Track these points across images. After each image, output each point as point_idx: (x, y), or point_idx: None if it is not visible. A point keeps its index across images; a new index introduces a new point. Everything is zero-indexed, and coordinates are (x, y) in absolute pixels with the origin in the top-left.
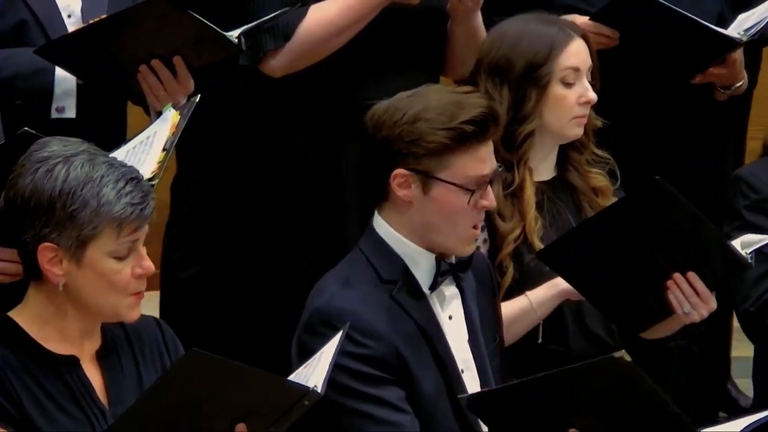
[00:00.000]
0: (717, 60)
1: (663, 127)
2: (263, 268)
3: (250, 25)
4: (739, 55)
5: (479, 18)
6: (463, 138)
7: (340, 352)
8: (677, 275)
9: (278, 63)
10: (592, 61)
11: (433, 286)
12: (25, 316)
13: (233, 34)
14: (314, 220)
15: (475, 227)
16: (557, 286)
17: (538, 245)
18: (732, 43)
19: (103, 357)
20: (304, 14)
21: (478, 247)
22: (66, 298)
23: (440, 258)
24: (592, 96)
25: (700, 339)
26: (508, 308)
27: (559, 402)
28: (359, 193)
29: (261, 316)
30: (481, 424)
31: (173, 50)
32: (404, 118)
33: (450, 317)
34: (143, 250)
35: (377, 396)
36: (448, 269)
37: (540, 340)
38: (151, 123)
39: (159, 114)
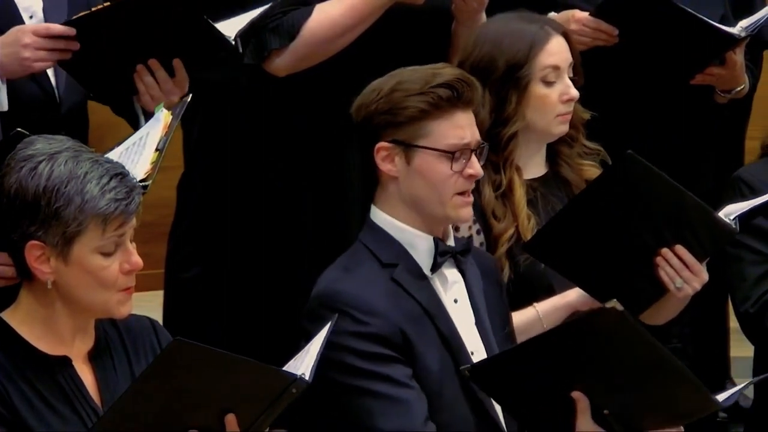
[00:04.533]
0: (716, 57)
1: (663, 127)
2: (267, 267)
3: (244, 25)
4: (739, 57)
5: (484, 19)
6: (438, 102)
7: (344, 332)
8: (665, 250)
9: (282, 62)
10: (573, 57)
11: (434, 268)
12: (16, 317)
13: (230, 36)
14: (318, 220)
15: (463, 194)
16: (565, 297)
17: None
18: (731, 40)
19: (95, 357)
20: (309, 14)
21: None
22: (56, 296)
23: (438, 239)
24: (574, 93)
25: (695, 341)
26: (516, 319)
27: (558, 363)
28: (364, 191)
29: (264, 315)
30: (495, 403)
31: (172, 48)
32: (380, 93)
33: (455, 301)
34: (131, 246)
35: (383, 373)
36: (447, 250)
37: None
38: (141, 124)
39: (151, 115)
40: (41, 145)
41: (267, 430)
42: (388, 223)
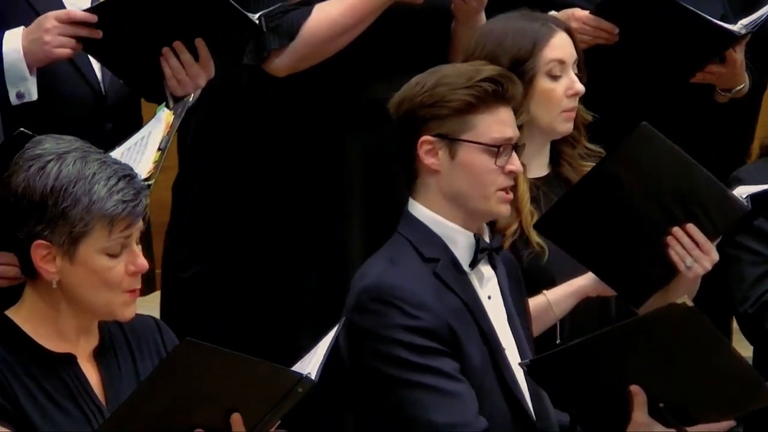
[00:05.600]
0: (717, 55)
1: (662, 127)
2: (265, 267)
3: (270, 9)
4: (739, 56)
5: (483, 18)
6: (484, 96)
7: (394, 325)
8: (675, 229)
9: (282, 62)
10: (578, 54)
11: (473, 264)
12: (21, 315)
13: (254, 17)
14: (317, 219)
15: (505, 191)
16: (574, 284)
17: (535, 239)
18: (731, 37)
19: (100, 355)
20: (308, 14)
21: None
22: (60, 296)
23: (478, 236)
24: (580, 87)
25: None
26: None
27: (620, 358)
28: (364, 190)
29: (263, 315)
30: (527, 398)
31: (196, 30)
32: (424, 87)
33: (489, 297)
34: (137, 248)
35: (433, 367)
36: (486, 247)
37: (558, 341)
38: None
39: (179, 99)
40: (50, 144)
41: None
42: (428, 217)
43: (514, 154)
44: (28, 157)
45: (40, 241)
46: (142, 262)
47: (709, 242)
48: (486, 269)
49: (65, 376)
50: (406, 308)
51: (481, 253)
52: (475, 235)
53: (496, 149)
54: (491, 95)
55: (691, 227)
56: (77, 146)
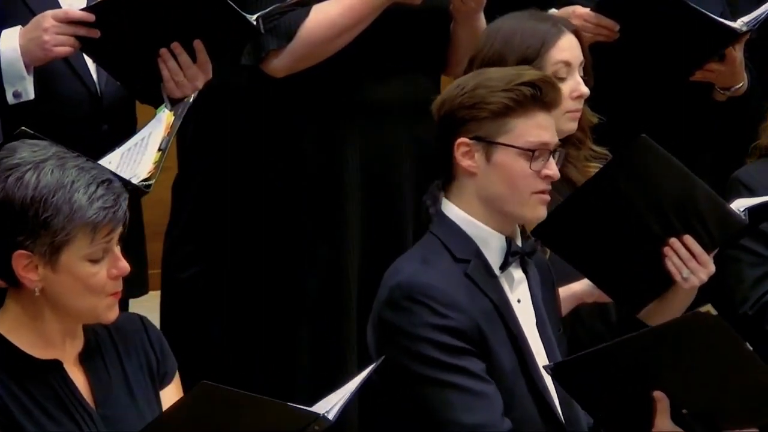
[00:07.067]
0: (717, 52)
1: (662, 130)
2: (264, 267)
3: (267, 9)
4: (739, 54)
5: (482, 19)
6: (522, 100)
7: (424, 324)
8: (673, 240)
9: (280, 63)
10: (585, 57)
11: (504, 266)
12: (4, 324)
13: (251, 18)
14: (316, 220)
15: (541, 192)
16: (571, 288)
17: None
18: (732, 34)
19: (86, 359)
20: (307, 14)
21: None
22: (44, 303)
23: (510, 239)
24: (585, 90)
25: None
26: None
27: (644, 364)
28: (365, 191)
29: (262, 315)
30: (557, 403)
31: (194, 32)
32: (465, 89)
33: (519, 300)
34: (118, 251)
35: (461, 366)
36: (518, 250)
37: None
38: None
39: (177, 101)
40: (26, 153)
41: None
42: (462, 218)
43: (551, 159)
44: (5, 167)
45: (20, 251)
46: (124, 265)
47: (706, 254)
48: (517, 272)
49: (53, 383)
50: (436, 307)
51: (512, 256)
52: (507, 238)
53: (531, 153)
54: (530, 99)
55: (688, 239)
56: (53, 152)
